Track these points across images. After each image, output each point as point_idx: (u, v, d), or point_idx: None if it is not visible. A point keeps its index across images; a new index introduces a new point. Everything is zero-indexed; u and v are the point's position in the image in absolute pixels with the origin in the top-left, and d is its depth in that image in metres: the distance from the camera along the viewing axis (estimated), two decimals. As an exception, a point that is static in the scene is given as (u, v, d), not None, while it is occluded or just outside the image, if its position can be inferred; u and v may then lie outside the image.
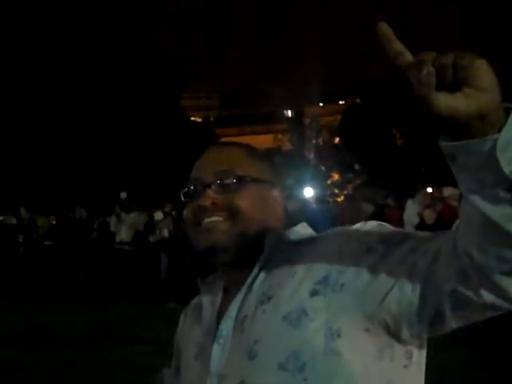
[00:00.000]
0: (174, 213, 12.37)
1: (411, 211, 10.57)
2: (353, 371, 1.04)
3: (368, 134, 35.70)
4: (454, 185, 0.88)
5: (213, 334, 1.19)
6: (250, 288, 1.16)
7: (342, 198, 25.00)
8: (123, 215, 12.82)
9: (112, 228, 13.23)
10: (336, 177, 46.94)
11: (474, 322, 1.00)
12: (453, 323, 0.98)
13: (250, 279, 1.16)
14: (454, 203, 9.43)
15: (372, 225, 1.14)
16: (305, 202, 14.31)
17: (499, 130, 0.78)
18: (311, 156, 48.97)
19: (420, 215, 9.83)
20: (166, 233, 11.99)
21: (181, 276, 9.55)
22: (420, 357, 1.12)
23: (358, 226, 1.15)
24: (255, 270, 1.17)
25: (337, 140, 47.40)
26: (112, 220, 13.40)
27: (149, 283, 11.20)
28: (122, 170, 27.81)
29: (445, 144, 0.82)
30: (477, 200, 0.82)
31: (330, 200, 20.50)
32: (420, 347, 1.11)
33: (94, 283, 12.04)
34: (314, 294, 1.07)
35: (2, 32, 27.17)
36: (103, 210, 15.15)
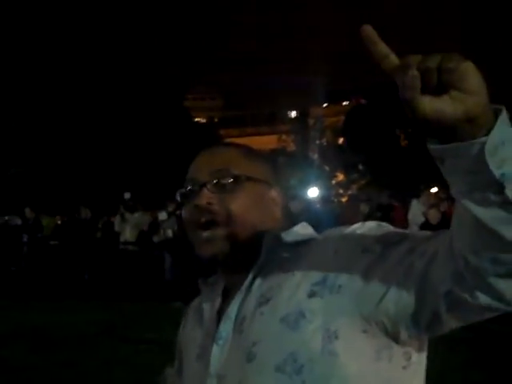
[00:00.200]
0: (178, 213, 12.37)
1: (416, 211, 10.60)
2: (350, 373, 1.03)
3: (372, 134, 35.68)
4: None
5: (212, 335, 1.19)
6: (248, 289, 1.16)
7: (346, 198, 24.97)
8: (127, 215, 12.84)
9: (116, 228, 13.25)
10: (340, 177, 46.94)
11: (474, 323, 0.99)
12: (450, 324, 0.98)
13: (247, 281, 1.16)
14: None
15: (370, 225, 1.14)
16: (309, 202, 14.31)
17: (488, 133, 0.77)
18: (315, 156, 48.93)
19: (425, 215, 9.84)
20: (170, 233, 11.99)
21: (184, 276, 9.56)
22: (419, 358, 1.11)
23: (356, 226, 1.15)
24: (253, 272, 1.17)
25: (341, 140, 47.40)
26: (116, 220, 13.42)
27: (153, 283, 11.22)
28: (126, 170, 27.86)
29: (433, 147, 0.81)
30: (468, 203, 0.81)
31: (335, 200, 20.47)
32: (419, 348, 1.10)
33: (98, 283, 12.07)
34: (311, 295, 1.07)
35: (11, 35, 27.23)
36: (107, 210, 15.18)
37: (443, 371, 5.14)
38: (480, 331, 5.72)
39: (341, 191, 37.92)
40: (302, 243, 1.18)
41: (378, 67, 0.82)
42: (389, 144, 36.27)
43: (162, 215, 12.79)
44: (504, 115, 0.78)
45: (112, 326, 8.12)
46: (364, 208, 11.08)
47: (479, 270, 0.85)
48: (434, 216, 9.18)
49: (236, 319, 1.16)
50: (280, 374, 1.04)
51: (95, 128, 28.79)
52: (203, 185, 1.20)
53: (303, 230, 1.24)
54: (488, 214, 0.80)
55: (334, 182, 45.59)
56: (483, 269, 0.84)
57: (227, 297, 1.23)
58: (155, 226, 12.68)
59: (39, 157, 27.50)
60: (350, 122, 41.51)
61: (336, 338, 1.03)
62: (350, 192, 34.85)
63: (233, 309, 1.17)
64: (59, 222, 15.98)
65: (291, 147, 53.47)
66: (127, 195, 13.60)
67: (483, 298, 0.87)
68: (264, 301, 1.12)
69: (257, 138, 62.82)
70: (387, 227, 1.13)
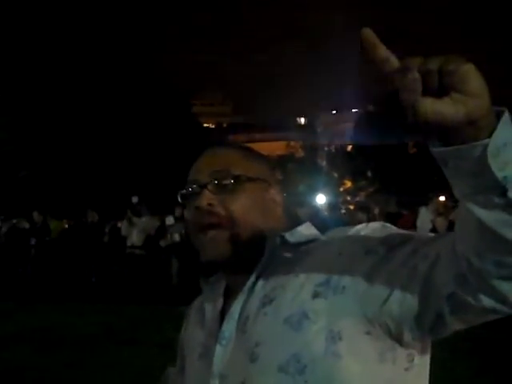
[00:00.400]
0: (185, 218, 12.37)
1: (424, 218, 10.63)
2: (353, 374, 1.03)
3: (380, 141, 35.60)
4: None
5: (215, 335, 1.19)
6: (251, 290, 1.16)
7: (354, 205, 24.93)
8: (135, 219, 12.85)
9: (123, 232, 13.27)
10: (348, 184, 46.87)
11: (478, 333, 0.98)
12: (454, 326, 0.97)
13: (251, 281, 1.17)
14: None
15: (374, 226, 1.14)
16: (316, 209, 14.30)
17: (491, 135, 0.76)
18: (324, 163, 48.91)
19: (432, 223, 9.85)
20: (176, 237, 12.01)
21: (191, 280, 9.56)
22: (422, 360, 1.11)
23: (360, 227, 1.14)
24: (256, 272, 1.17)
25: (349, 147, 47.36)
26: (123, 224, 13.45)
27: (159, 287, 11.23)
28: (134, 174, 27.92)
29: (435, 150, 0.81)
30: (471, 205, 0.81)
31: (342, 207, 20.46)
32: (422, 351, 1.09)
33: (105, 286, 12.09)
34: (315, 296, 1.07)
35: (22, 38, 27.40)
36: (115, 214, 15.20)
37: (453, 380, 5.13)
38: (484, 340, 5.71)
39: (348, 198, 37.83)
40: (306, 244, 1.18)
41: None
42: (397, 152, 36.21)
43: (169, 220, 12.81)
44: (506, 117, 0.78)
45: (117, 329, 8.13)
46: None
47: (482, 273, 0.84)
48: (442, 224, 9.20)
49: (239, 319, 1.16)
50: (283, 375, 1.04)
51: (104, 132, 28.89)
52: (204, 186, 1.21)
53: (307, 230, 1.24)
54: (491, 217, 0.79)
55: (341, 189, 45.51)
56: (486, 271, 0.83)
57: (229, 297, 1.23)
58: (162, 230, 12.70)
59: (48, 160, 27.60)
60: (358, 129, 41.45)
61: (340, 339, 1.03)
62: (357, 199, 34.78)
63: (236, 309, 1.17)
64: (67, 226, 16.03)
65: (299, 153, 53.46)
66: (135, 199, 13.61)
67: (486, 301, 0.87)
68: (267, 301, 1.12)
69: (265, 144, 62.89)
70: (391, 228, 1.13)
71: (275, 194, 1.27)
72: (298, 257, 1.15)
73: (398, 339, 1.04)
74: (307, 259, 1.13)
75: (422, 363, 1.11)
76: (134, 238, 12.74)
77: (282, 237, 1.18)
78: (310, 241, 1.19)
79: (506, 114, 0.78)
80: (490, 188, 0.78)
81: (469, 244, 0.85)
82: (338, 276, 1.06)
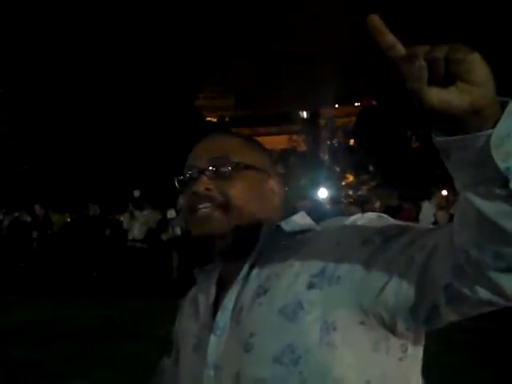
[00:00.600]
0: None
1: (427, 212, 10.68)
2: (348, 364, 1.03)
3: (383, 136, 35.63)
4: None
5: (209, 325, 1.19)
6: (246, 279, 1.16)
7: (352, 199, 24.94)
8: (136, 213, 12.86)
9: (125, 225, 13.29)
10: (350, 178, 46.92)
11: (474, 325, 0.98)
12: (449, 317, 0.97)
13: (245, 270, 1.16)
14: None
15: (371, 216, 1.13)
16: (318, 202, 14.30)
17: (495, 125, 0.76)
18: (326, 157, 48.95)
19: (434, 216, 9.88)
20: (178, 231, 12.02)
21: (192, 274, 9.56)
22: (415, 351, 1.11)
23: (356, 217, 1.14)
24: (250, 261, 1.16)
25: (352, 141, 47.39)
26: (125, 217, 13.47)
27: (160, 281, 11.25)
28: (135, 168, 27.95)
29: (439, 139, 0.81)
30: (472, 196, 0.81)
31: (344, 201, 20.44)
32: (416, 341, 1.09)
33: (106, 280, 12.12)
34: (310, 286, 1.06)
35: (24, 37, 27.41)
36: (117, 207, 15.23)
37: (450, 373, 5.14)
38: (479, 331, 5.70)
39: (350, 192, 37.84)
40: (301, 233, 1.18)
41: (389, 68, 0.81)
42: (400, 146, 36.19)
43: (171, 213, 12.80)
44: (510, 108, 0.77)
45: (119, 323, 8.16)
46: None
47: (480, 264, 0.84)
48: (443, 217, 9.20)
49: (233, 310, 1.15)
50: (277, 365, 1.04)
51: (106, 126, 28.91)
52: (202, 171, 1.20)
53: (302, 219, 1.23)
54: (492, 208, 0.79)
55: (343, 183, 45.54)
56: (484, 263, 0.83)
57: (223, 287, 1.22)
58: (164, 223, 12.71)
59: (50, 154, 27.64)
60: (361, 123, 41.47)
61: (334, 329, 1.03)
62: (359, 193, 34.77)
63: (230, 299, 1.16)
64: (69, 220, 16.05)
65: (302, 147, 53.48)
66: (136, 193, 13.62)
67: (483, 293, 0.87)
68: (262, 291, 1.11)
69: (268, 137, 62.89)
70: (387, 219, 1.13)
71: (273, 184, 1.27)
72: (294, 246, 1.14)
73: (392, 329, 1.03)
74: (302, 249, 1.12)
75: (416, 353, 1.11)
76: (136, 231, 12.76)
77: (278, 225, 1.17)
78: (306, 230, 1.18)
79: (511, 105, 0.78)
80: (492, 179, 0.77)
81: (468, 235, 0.85)
82: (334, 266, 1.06)
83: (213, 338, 1.16)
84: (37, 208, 15.29)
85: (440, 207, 10.03)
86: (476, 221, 0.82)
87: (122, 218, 14.31)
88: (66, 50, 29.00)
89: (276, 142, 57.07)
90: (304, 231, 1.18)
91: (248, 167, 1.22)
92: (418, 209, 11.46)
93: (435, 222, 9.38)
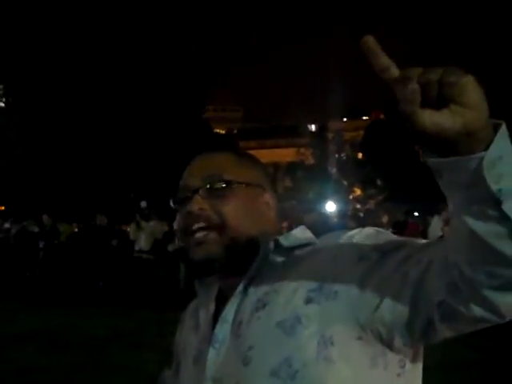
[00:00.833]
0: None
1: (436, 226, 10.72)
2: (345, 379, 1.03)
3: (391, 149, 35.57)
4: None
5: (209, 338, 1.19)
6: (245, 293, 1.16)
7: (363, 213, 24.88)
8: (143, 224, 12.89)
9: (131, 236, 13.31)
10: (358, 192, 46.78)
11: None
12: (444, 333, 0.97)
13: (242, 285, 1.16)
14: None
15: (368, 231, 1.13)
16: (325, 216, 14.28)
17: (487, 148, 0.76)
18: (334, 171, 48.85)
19: (442, 230, 9.92)
20: (184, 242, 12.00)
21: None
22: (414, 366, 1.11)
23: (354, 232, 1.14)
24: (248, 276, 1.17)
25: (360, 155, 47.32)
26: (131, 228, 13.49)
27: (166, 291, 11.24)
28: (143, 179, 28.00)
29: (431, 160, 0.81)
30: (465, 216, 0.81)
31: (352, 215, 20.42)
32: (414, 357, 1.09)
33: (112, 290, 12.11)
34: (308, 301, 1.07)
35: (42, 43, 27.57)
36: (124, 218, 15.25)
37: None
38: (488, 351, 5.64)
39: (358, 206, 37.75)
40: (300, 247, 1.18)
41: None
42: (408, 160, 36.12)
43: (178, 225, 12.81)
44: (503, 130, 0.78)
45: (124, 333, 8.15)
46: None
47: (474, 282, 0.84)
48: (449, 232, 9.23)
49: (233, 323, 1.15)
50: (275, 379, 1.04)
51: (115, 137, 29.01)
52: (195, 191, 1.20)
53: (302, 233, 1.23)
54: (484, 228, 0.79)
55: (351, 196, 45.42)
56: (478, 281, 0.84)
57: (222, 300, 1.22)
58: (170, 235, 12.71)
59: (59, 164, 27.74)
60: (369, 137, 41.45)
61: (331, 344, 1.03)
62: (367, 207, 34.71)
63: (229, 311, 1.17)
64: (76, 230, 16.09)
65: (310, 161, 53.40)
66: (143, 204, 13.65)
67: (477, 310, 0.87)
68: (261, 306, 1.12)
69: (276, 150, 62.88)
70: (385, 234, 1.13)
71: (268, 198, 1.27)
72: (292, 261, 1.15)
73: (389, 345, 1.04)
74: (301, 264, 1.13)
75: (414, 370, 1.11)
76: (142, 242, 12.78)
77: (276, 240, 1.18)
78: (304, 245, 1.19)
79: (504, 127, 0.78)
80: (485, 200, 0.78)
81: (461, 254, 0.85)
82: (331, 281, 1.06)
83: (211, 351, 1.16)
84: (45, 218, 15.35)
85: (446, 222, 10.04)
86: (469, 240, 0.82)
87: (128, 229, 14.33)
88: (78, 61, 29.17)
89: (284, 154, 57.05)
90: (303, 245, 1.19)
91: (241, 184, 1.22)
92: (425, 224, 11.45)
93: (442, 237, 9.40)
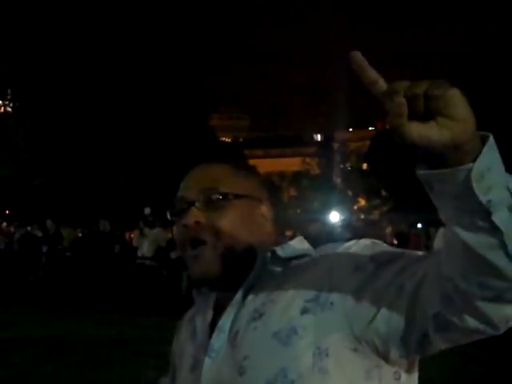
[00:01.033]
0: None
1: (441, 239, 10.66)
2: None
3: (396, 160, 35.56)
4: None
5: (205, 347, 1.19)
6: (241, 303, 1.16)
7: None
8: (146, 230, 12.90)
9: (134, 243, 13.33)
10: (362, 202, 46.77)
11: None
12: (439, 345, 0.98)
13: (239, 295, 1.17)
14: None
15: (365, 243, 1.13)
16: (330, 226, 14.28)
17: (475, 159, 0.77)
18: (339, 181, 48.90)
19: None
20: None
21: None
22: (409, 378, 1.10)
23: (350, 243, 1.14)
24: (245, 286, 1.17)
25: (365, 165, 47.35)
26: (135, 235, 13.51)
27: (169, 298, 11.23)
28: (147, 186, 28.07)
29: (420, 172, 0.82)
30: (456, 228, 0.82)
31: (352, 226, 20.42)
32: (409, 369, 1.09)
33: (114, 296, 12.11)
34: (304, 311, 1.07)
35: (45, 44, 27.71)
36: (127, 224, 15.29)
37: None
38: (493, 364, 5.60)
39: (362, 216, 37.73)
40: (297, 258, 1.18)
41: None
42: (413, 171, 36.09)
43: (181, 232, 12.83)
44: (491, 142, 0.78)
45: (125, 340, 8.12)
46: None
47: (467, 294, 0.85)
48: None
49: (230, 333, 1.15)
50: None
51: (120, 144, 29.11)
52: (192, 203, 1.20)
53: (299, 244, 1.24)
54: (475, 240, 0.80)
55: (355, 206, 45.41)
56: (471, 293, 0.84)
57: (219, 310, 1.22)
58: (173, 242, 12.71)
59: (64, 169, 27.83)
60: (374, 148, 41.48)
61: (327, 355, 1.03)
62: (371, 217, 34.70)
63: (226, 322, 1.17)
64: (80, 235, 16.13)
65: (315, 170, 53.46)
66: (147, 210, 13.67)
67: (471, 321, 0.88)
68: (257, 316, 1.12)
69: (281, 159, 63.00)
70: (381, 245, 1.13)
71: (265, 210, 1.27)
72: (289, 272, 1.15)
73: (385, 357, 1.03)
74: (297, 275, 1.13)
75: (410, 381, 1.11)
76: (145, 249, 12.79)
77: (274, 251, 1.17)
78: (302, 255, 1.19)
79: (491, 139, 0.79)
80: (475, 211, 0.78)
81: (454, 265, 0.85)
82: (327, 292, 1.06)
83: (207, 360, 1.16)
84: (48, 223, 15.39)
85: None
86: (461, 252, 0.82)
87: (132, 235, 14.37)
88: (87, 68, 29.32)
89: (289, 164, 57.18)
90: (300, 256, 1.19)
91: (238, 196, 1.21)
92: (428, 235, 11.39)
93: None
